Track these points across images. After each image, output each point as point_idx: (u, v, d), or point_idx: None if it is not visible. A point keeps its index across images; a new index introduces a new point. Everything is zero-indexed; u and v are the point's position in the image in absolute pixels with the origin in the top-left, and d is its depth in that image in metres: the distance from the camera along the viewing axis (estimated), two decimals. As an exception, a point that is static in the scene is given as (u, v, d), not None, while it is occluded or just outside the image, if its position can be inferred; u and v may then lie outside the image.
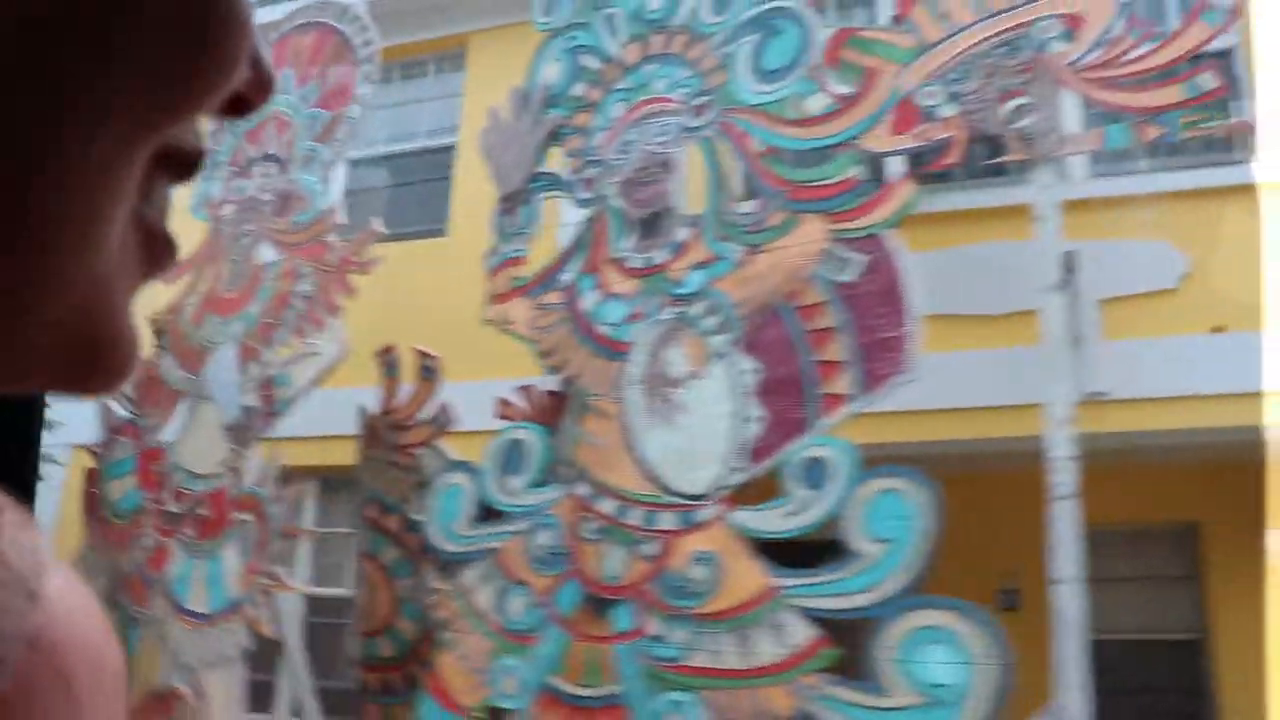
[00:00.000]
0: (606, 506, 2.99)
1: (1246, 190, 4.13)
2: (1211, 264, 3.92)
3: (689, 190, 3.19)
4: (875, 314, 2.64)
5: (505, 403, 3.40)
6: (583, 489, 3.05)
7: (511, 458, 3.26)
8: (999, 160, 3.70)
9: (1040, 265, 3.39)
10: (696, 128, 3.16)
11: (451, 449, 3.53)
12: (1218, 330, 3.84)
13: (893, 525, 2.48)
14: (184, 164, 0.28)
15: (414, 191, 5.88)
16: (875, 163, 3.08)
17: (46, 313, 0.23)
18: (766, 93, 3.06)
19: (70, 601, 0.29)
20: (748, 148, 3.04)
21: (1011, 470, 4.90)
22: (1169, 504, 4.87)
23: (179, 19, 0.23)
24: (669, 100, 3.26)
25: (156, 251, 0.27)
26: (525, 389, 3.39)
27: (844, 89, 2.94)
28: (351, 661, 3.83)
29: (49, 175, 0.22)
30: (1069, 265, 3.32)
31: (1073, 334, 4.10)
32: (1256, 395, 3.79)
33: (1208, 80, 3.46)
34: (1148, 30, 3.63)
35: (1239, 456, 4.63)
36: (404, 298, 4.84)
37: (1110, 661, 5.11)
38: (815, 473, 2.63)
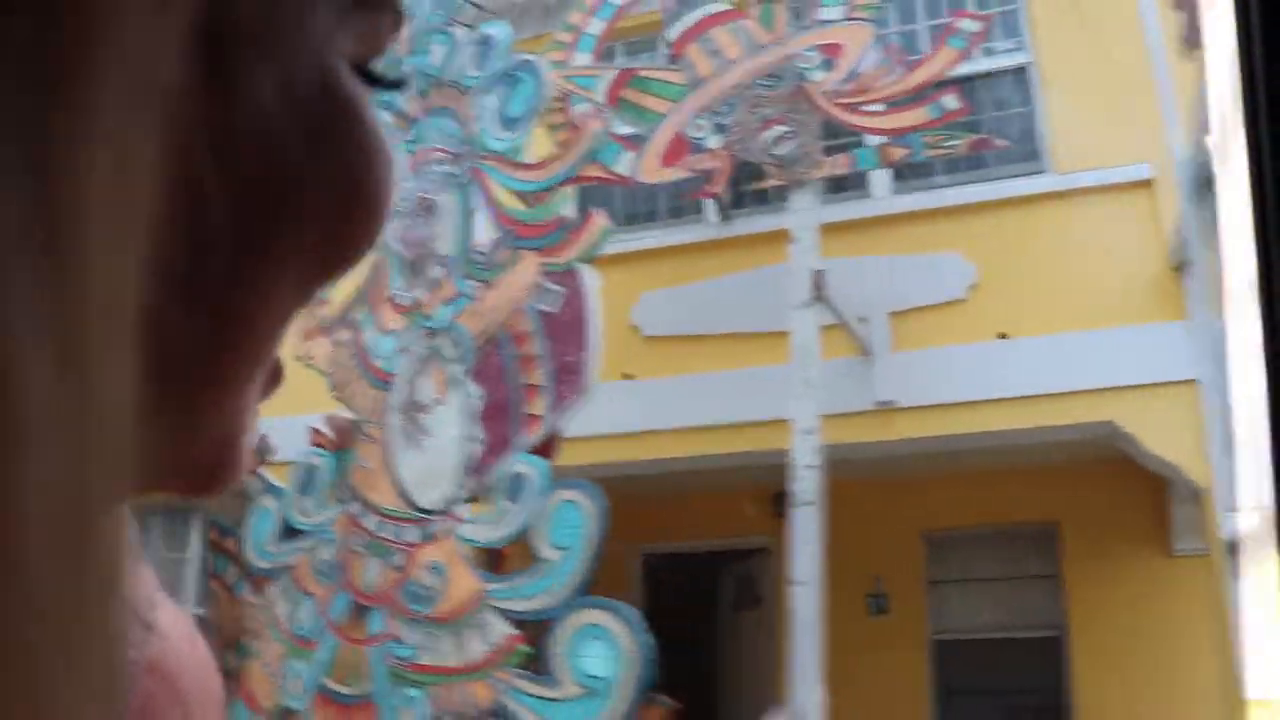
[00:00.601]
0: (370, 523, 3.29)
1: (1032, 200, 4.26)
2: (998, 273, 4.07)
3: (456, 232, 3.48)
4: (566, 341, 2.90)
5: (316, 430, 3.73)
6: (354, 507, 3.36)
7: (307, 481, 3.58)
8: (757, 187, 3.91)
9: (796, 285, 3.61)
10: (455, 174, 3.46)
11: (272, 475, 3.87)
12: (1002, 337, 3.99)
13: (568, 533, 2.73)
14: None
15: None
16: (584, 200, 3.34)
17: (195, 445, 0.24)
18: (507, 139, 3.34)
19: (178, 631, 0.31)
20: (489, 190, 3.33)
21: (871, 477, 5.06)
22: (1030, 505, 4.97)
23: (344, 197, 0.24)
24: (438, 150, 3.57)
25: (273, 377, 0.28)
26: (331, 418, 3.71)
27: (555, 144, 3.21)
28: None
29: (228, 336, 0.23)
30: (818, 284, 3.52)
31: (865, 347, 4.27)
32: (1042, 398, 3.93)
33: (951, 102, 3.64)
34: (900, 57, 3.82)
35: (1093, 455, 4.73)
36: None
37: (971, 660, 5.22)
38: (516, 487, 2.90)
